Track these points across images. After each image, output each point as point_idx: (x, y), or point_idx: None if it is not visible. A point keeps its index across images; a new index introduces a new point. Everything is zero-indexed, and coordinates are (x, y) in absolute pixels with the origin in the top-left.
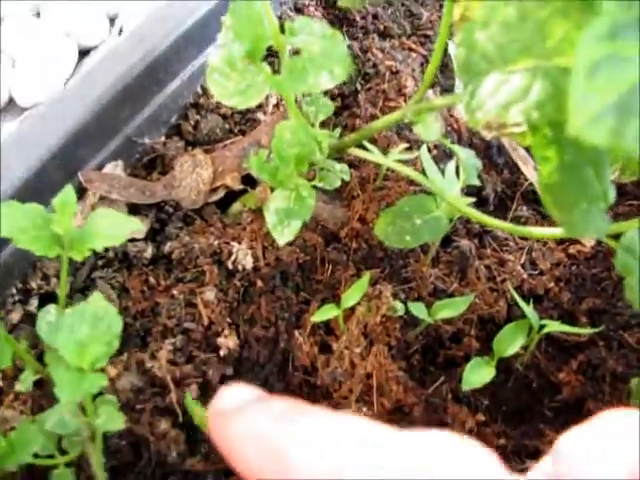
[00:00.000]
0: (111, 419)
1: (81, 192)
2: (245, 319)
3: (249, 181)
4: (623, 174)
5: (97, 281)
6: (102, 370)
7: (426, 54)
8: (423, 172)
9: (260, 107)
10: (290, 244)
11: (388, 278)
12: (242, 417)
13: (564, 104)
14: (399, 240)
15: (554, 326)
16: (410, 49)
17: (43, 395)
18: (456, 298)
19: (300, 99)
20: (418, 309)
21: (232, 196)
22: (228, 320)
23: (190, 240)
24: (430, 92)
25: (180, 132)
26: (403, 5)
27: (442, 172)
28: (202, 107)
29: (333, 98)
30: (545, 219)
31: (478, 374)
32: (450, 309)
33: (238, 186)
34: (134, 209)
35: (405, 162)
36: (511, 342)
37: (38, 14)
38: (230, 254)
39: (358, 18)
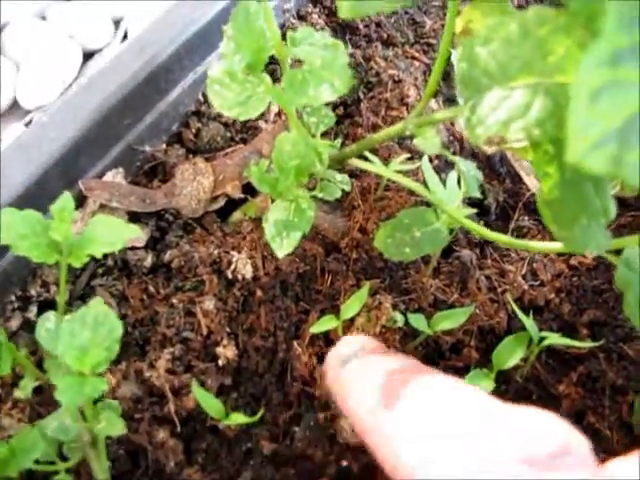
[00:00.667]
0: (112, 424)
1: (82, 200)
2: (244, 329)
3: (250, 190)
4: (624, 189)
5: (96, 289)
6: (101, 376)
7: (429, 63)
8: (424, 182)
9: (262, 115)
10: (290, 254)
11: (388, 289)
12: (360, 362)
13: (565, 121)
14: (398, 253)
15: (554, 339)
16: (413, 57)
17: (41, 403)
18: (456, 309)
19: (301, 110)
20: (418, 321)
21: (233, 205)
22: (227, 330)
23: (190, 249)
24: (432, 101)
25: (181, 140)
26: (406, 13)
27: (444, 182)
28: (203, 115)
29: (335, 106)
30: (547, 229)
31: (477, 386)
32: (450, 320)
33: (239, 195)
34: (134, 217)
35: (407, 172)
36: (510, 355)
37: (43, 17)
38: (230, 263)
39: (361, 26)
